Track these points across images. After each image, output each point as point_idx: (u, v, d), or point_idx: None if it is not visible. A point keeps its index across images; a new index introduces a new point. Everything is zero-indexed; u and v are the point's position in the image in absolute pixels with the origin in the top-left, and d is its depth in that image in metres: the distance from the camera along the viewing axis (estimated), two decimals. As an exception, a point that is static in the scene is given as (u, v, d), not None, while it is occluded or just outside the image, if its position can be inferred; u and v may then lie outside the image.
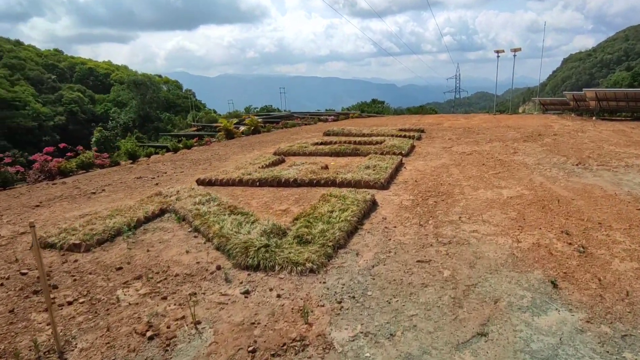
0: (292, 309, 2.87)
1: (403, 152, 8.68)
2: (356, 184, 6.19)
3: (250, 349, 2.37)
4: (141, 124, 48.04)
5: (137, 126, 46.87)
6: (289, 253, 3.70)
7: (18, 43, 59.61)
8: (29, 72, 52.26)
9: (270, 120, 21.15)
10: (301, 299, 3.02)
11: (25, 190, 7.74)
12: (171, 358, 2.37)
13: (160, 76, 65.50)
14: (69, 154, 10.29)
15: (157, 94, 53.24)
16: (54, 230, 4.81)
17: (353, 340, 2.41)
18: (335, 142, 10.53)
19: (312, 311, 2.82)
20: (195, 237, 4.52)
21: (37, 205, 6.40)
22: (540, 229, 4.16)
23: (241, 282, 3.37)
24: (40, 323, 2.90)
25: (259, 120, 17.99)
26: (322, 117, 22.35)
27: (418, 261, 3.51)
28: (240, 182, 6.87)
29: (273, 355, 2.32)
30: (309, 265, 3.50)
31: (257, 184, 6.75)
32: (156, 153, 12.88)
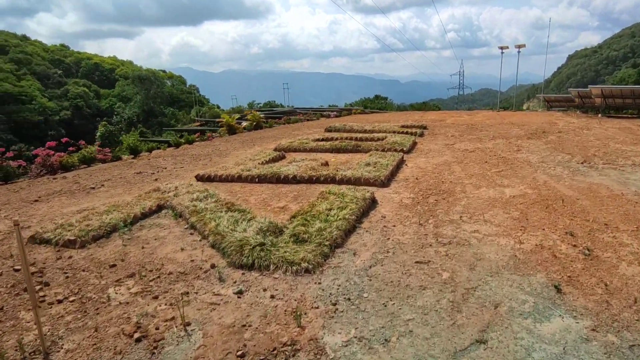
0: (285, 310, 2.79)
1: (404, 149, 8.56)
2: (356, 181, 6.08)
3: (239, 353, 2.29)
4: (145, 118, 48.15)
5: (141, 121, 46.97)
6: (285, 252, 3.62)
7: (25, 38, 59.82)
8: (35, 67, 52.50)
9: (273, 115, 21.04)
10: (295, 300, 2.94)
11: (26, 185, 7.72)
12: (158, 361, 2.30)
13: (164, 71, 65.50)
14: (70, 148, 10.27)
15: (161, 89, 53.30)
16: (50, 225, 4.76)
17: (346, 346, 2.33)
18: (337, 139, 10.41)
19: (305, 313, 2.74)
20: (191, 234, 4.45)
21: (36, 200, 6.37)
22: (543, 229, 4.04)
23: (235, 282, 3.29)
24: (28, 322, 2.84)
25: (261, 115, 17.89)
26: (324, 113, 22.19)
27: (417, 262, 3.42)
28: (239, 178, 6.79)
29: (263, 360, 2.25)
30: (304, 265, 3.41)
31: (256, 180, 6.66)
32: (158, 148, 12.84)
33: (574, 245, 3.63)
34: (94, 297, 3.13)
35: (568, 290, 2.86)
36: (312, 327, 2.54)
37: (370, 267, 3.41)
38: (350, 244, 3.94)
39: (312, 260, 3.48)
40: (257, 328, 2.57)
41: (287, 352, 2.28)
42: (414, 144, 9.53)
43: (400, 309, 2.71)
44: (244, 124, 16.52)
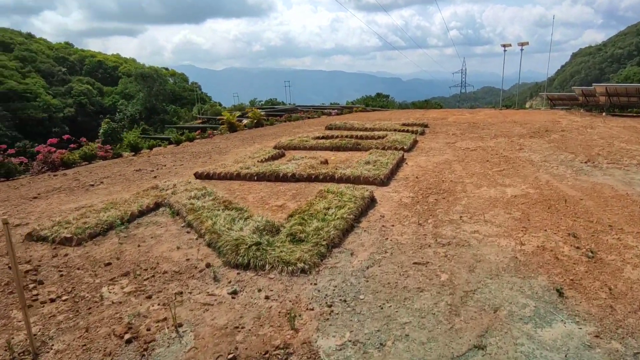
0: (280, 312, 2.73)
1: (405, 147, 8.47)
2: (355, 180, 6.01)
3: (230, 356, 2.24)
4: (148, 116, 48.19)
5: (143, 118, 47.02)
6: (281, 252, 3.56)
7: (30, 36, 60.01)
8: (40, 65, 52.67)
9: (274, 113, 20.96)
10: (290, 301, 2.89)
11: (26, 182, 7.70)
12: (148, 363, 2.25)
13: (167, 69, 65.49)
14: (72, 145, 10.27)
15: (163, 86, 53.31)
16: (48, 223, 4.73)
17: (340, 350, 2.27)
18: (337, 137, 10.33)
19: (300, 315, 2.68)
20: (188, 232, 4.40)
21: (35, 197, 6.34)
22: (545, 230, 3.95)
23: (230, 282, 3.24)
24: (20, 321, 2.80)
25: (262, 113, 17.82)
26: (325, 110, 22.09)
27: (415, 263, 3.35)
28: (238, 176, 6.74)
29: (255, 363, 2.19)
30: (300, 265, 3.36)
31: (255, 178, 6.61)
32: (158, 145, 12.81)
33: (577, 247, 3.54)
34: (87, 296, 3.09)
35: (570, 294, 2.78)
36: (306, 330, 2.49)
37: (367, 267, 3.35)
38: (347, 243, 3.88)
39: (308, 261, 3.42)
40: (250, 330, 2.52)
41: (279, 356, 2.23)
42: (415, 142, 9.44)
43: (396, 311, 2.65)
44: (245, 121, 16.46)
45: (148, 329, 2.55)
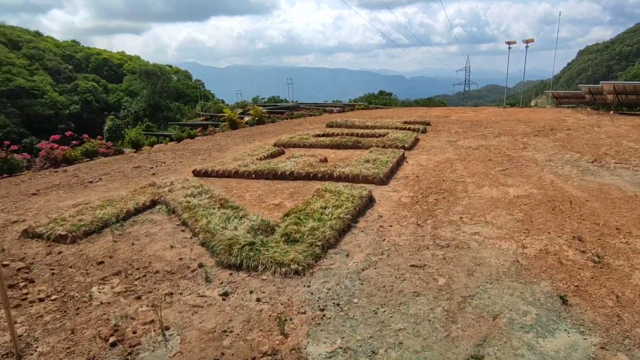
0: (270, 315, 2.65)
1: (406, 145, 8.34)
2: (354, 179, 5.91)
3: (215, 362, 2.16)
4: (151, 113, 48.33)
5: (147, 115, 47.17)
6: (274, 252, 3.48)
7: (37, 34, 60.45)
8: (47, 62, 53.06)
9: (276, 110, 20.87)
10: (282, 304, 2.80)
11: (27, 178, 7.69)
12: (132, 368, 2.18)
13: (170, 66, 65.61)
14: (74, 142, 10.27)
15: (167, 83, 53.42)
16: (44, 220, 4.69)
17: (330, 357, 2.18)
18: (337, 134, 10.21)
19: (291, 319, 2.59)
20: (182, 231, 4.34)
21: (34, 194, 6.32)
22: (549, 233, 3.83)
23: (221, 283, 3.16)
24: (7, 322, 2.74)
25: (264, 110, 17.73)
26: (327, 108, 21.97)
27: (412, 266, 3.25)
28: (236, 174, 6.67)
29: (241, 369, 2.11)
30: (294, 266, 3.27)
31: (253, 176, 6.53)
32: (160, 142, 12.77)
33: (582, 251, 3.40)
34: (77, 296, 3.03)
35: (575, 301, 2.65)
36: (296, 335, 2.40)
37: (362, 269, 3.25)
38: (343, 244, 3.79)
39: (302, 262, 3.33)
40: (238, 334, 2.44)
41: (266, 363, 2.15)
42: (416, 140, 9.31)
43: (391, 317, 2.55)
44: (247, 118, 16.39)
45: (134, 332, 2.48)
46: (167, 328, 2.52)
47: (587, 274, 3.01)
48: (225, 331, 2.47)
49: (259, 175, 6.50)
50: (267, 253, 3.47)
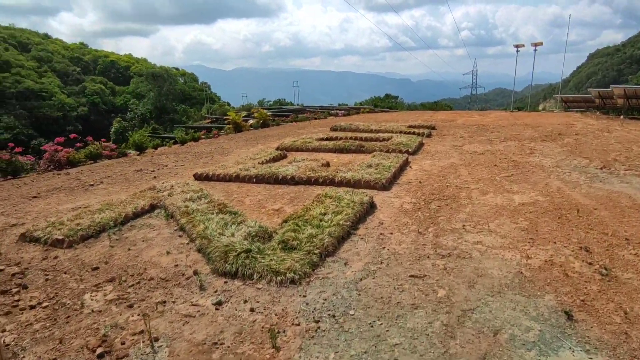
0: (263, 327, 2.57)
1: (410, 150, 8.23)
2: (356, 184, 5.82)
3: (202, 377, 2.09)
4: (158, 115, 48.80)
5: (154, 117, 47.64)
6: (271, 260, 3.40)
7: (46, 36, 61.56)
8: (55, 65, 53.96)
9: (281, 113, 20.87)
10: (276, 314, 2.72)
11: (30, 180, 7.72)
12: (118, 381, 2.12)
13: (177, 69, 66.32)
14: (78, 144, 10.34)
15: (173, 86, 53.94)
16: (42, 223, 4.68)
17: (321, 374, 2.09)
18: (341, 138, 10.14)
19: (284, 331, 2.51)
20: (179, 236, 4.29)
21: (35, 197, 6.33)
22: (554, 243, 3.69)
23: (216, 291, 3.09)
24: (-2, 329, 2.70)
25: (268, 113, 17.73)
26: (332, 111, 21.91)
27: (411, 276, 3.15)
28: (237, 178, 6.62)
29: (230, 384, 2.03)
30: (290, 275, 3.19)
31: (254, 180, 6.48)
32: (163, 145, 12.82)
33: (590, 263, 3.27)
34: (68, 304, 2.98)
35: (581, 317, 2.52)
36: (288, 349, 2.32)
37: (360, 279, 3.16)
38: (342, 252, 3.70)
39: (299, 270, 3.25)
40: (228, 347, 2.36)
41: (255, 379, 2.06)
42: (421, 144, 9.19)
43: (387, 330, 2.45)
44: (251, 121, 16.40)
45: (122, 343, 2.42)
46: (157, 339, 2.45)
47: (593, 288, 2.88)
48: (215, 343, 2.40)
49: (259, 179, 6.45)
50: (263, 261, 3.39)
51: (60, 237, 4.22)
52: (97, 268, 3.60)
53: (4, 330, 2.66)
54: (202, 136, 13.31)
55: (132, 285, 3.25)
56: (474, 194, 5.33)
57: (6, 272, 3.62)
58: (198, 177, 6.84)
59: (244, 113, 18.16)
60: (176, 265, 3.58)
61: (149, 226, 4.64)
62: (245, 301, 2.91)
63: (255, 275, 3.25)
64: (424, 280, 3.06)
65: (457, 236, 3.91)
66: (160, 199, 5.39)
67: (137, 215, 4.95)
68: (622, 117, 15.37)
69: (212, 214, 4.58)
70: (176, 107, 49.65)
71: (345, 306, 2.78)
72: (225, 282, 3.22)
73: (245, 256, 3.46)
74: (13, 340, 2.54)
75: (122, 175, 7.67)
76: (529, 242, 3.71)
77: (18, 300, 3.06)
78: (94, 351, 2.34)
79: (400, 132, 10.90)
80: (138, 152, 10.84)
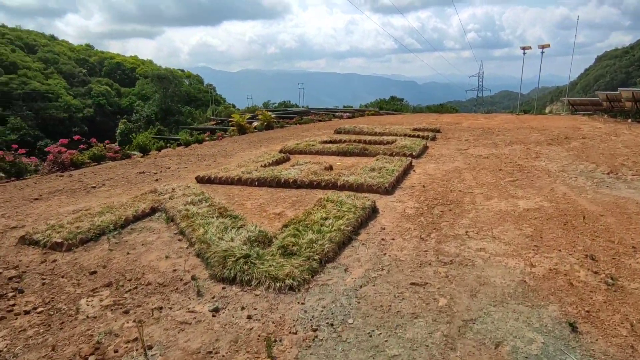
0: (259, 335, 2.52)
1: (414, 153, 8.15)
2: (358, 188, 5.76)
3: (195, 389, 2.04)
4: (163, 117, 49.16)
5: (159, 119, 47.98)
6: (270, 266, 3.35)
7: (52, 38, 62.38)
8: (62, 66, 54.66)
9: (285, 115, 20.89)
10: (273, 322, 2.67)
11: (33, 182, 7.76)
12: (110, 390, 2.08)
13: (182, 70, 66.81)
14: (82, 146, 10.40)
15: (178, 87, 54.34)
16: (42, 226, 4.67)
17: (316, 386, 2.04)
18: (345, 141, 10.08)
19: (280, 340, 2.46)
20: (179, 240, 4.25)
21: (37, 199, 6.34)
22: (559, 250, 3.60)
23: (213, 297, 3.05)
24: (-9, 334, 2.67)
25: (272, 115, 17.73)
26: (337, 113, 21.88)
27: (412, 283, 3.08)
28: (239, 181, 6.59)
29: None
30: (288, 281, 3.14)
31: (256, 183, 6.44)
32: (167, 146, 12.85)
33: (595, 272, 3.18)
34: (64, 309, 2.95)
35: (585, 328, 2.44)
36: (283, 359, 2.26)
37: (360, 286, 3.10)
38: (343, 258, 3.64)
39: (298, 277, 3.20)
40: (223, 356, 2.31)
41: (249, 391, 2.01)
42: (425, 148, 9.10)
43: (386, 341, 2.39)
44: (255, 123, 16.41)
45: (116, 351, 2.38)
46: (150, 347, 2.41)
47: (599, 298, 2.78)
48: (210, 352, 2.35)
49: (261, 182, 6.41)
50: (262, 267, 3.34)
51: (60, 241, 4.21)
52: (94, 272, 3.57)
53: (-2, 336, 2.63)
54: (206, 138, 13.33)
55: (129, 290, 3.22)
56: (478, 199, 5.25)
57: (4, 275, 3.61)
58: (200, 180, 6.82)
59: (248, 115, 18.19)
60: (174, 270, 3.55)
61: (149, 229, 4.61)
62: (243, 308, 2.86)
63: (253, 282, 3.20)
64: (425, 288, 2.99)
65: (459, 242, 3.83)
66: (161, 201, 5.37)
67: (137, 218, 4.93)
68: (630, 120, 15.14)
69: (213, 217, 4.55)
70: (181, 108, 49.98)
71: (344, 314, 2.72)
72: (223, 288, 3.18)
73: (243, 262, 3.41)
74: (5, 347, 2.51)
75: (125, 177, 7.68)
76: (533, 250, 3.62)
77: (13, 305, 3.04)
78: (86, 359, 2.30)
79: (405, 135, 10.82)
80: (142, 154, 10.87)
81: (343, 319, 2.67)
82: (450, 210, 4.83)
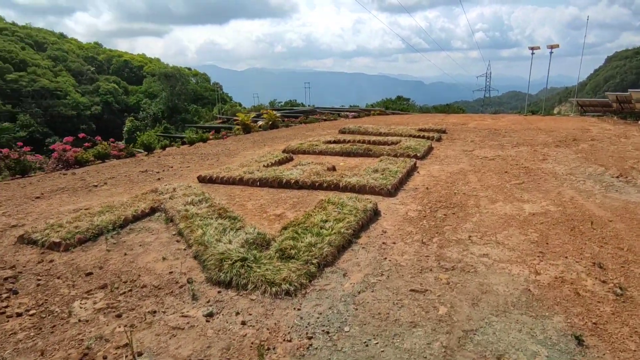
0: (252, 342, 2.45)
1: (418, 154, 8.03)
2: (360, 189, 5.67)
3: (182, 399, 1.97)
4: (170, 115, 49.45)
5: (165, 117, 48.28)
6: (266, 270, 3.28)
7: (62, 36, 63.11)
8: (70, 64, 55.28)
9: (290, 114, 20.83)
10: (268, 329, 2.60)
11: (36, 180, 7.78)
12: (97, 399, 2.02)
13: (189, 69, 67.15)
14: (86, 144, 10.44)
15: (185, 86, 54.60)
16: (41, 225, 4.66)
17: (308, 400, 1.96)
18: (349, 141, 9.98)
19: (274, 348, 2.39)
20: (177, 241, 4.20)
21: (38, 197, 6.35)
22: (566, 257, 3.48)
23: (208, 301, 2.99)
24: (-18, 337, 2.64)
25: (277, 115, 17.68)
26: (342, 113, 21.76)
27: (412, 290, 2.99)
28: (240, 181, 6.54)
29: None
30: (285, 286, 3.06)
31: (258, 183, 6.38)
32: (172, 145, 12.87)
33: (603, 281, 3.05)
34: (56, 312, 2.91)
35: (592, 342, 2.33)
36: (276, 369, 2.19)
37: (359, 292, 3.01)
38: (342, 262, 3.56)
39: (295, 281, 3.12)
40: (214, 365, 2.25)
41: (238, 403, 1.94)
42: (430, 149, 8.97)
43: (382, 351, 2.30)
44: (260, 122, 16.37)
45: (105, 357, 2.32)
46: (140, 354, 2.35)
47: (607, 309, 2.66)
48: (200, 360, 2.29)
49: (263, 183, 6.35)
50: (258, 270, 3.27)
51: (57, 240, 4.18)
52: (90, 273, 3.53)
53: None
54: (211, 137, 13.32)
55: (124, 292, 3.17)
56: (482, 202, 5.12)
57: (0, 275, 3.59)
58: (202, 180, 6.78)
59: (253, 114, 18.16)
60: (171, 272, 3.49)
61: (147, 230, 4.57)
62: (237, 313, 2.80)
63: (249, 286, 3.13)
64: (425, 296, 2.90)
65: (462, 248, 3.72)
66: (161, 201, 5.33)
67: (137, 218, 4.89)
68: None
69: (212, 218, 4.49)
70: (188, 107, 50.23)
71: (341, 322, 2.64)
72: (219, 292, 3.11)
73: (240, 265, 3.34)
74: (-4, 350, 2.47)
75: (127, 176, 7.67)
76: (538, 256, 3.50)
77: (6, 307, 3.00)
78: (75, 365, 2.25)
79: (410, 135, 10.69)
80: (146, 153, 10.88)
81: (339, 327, 2.59)
82: (454, 213, 4.71)
